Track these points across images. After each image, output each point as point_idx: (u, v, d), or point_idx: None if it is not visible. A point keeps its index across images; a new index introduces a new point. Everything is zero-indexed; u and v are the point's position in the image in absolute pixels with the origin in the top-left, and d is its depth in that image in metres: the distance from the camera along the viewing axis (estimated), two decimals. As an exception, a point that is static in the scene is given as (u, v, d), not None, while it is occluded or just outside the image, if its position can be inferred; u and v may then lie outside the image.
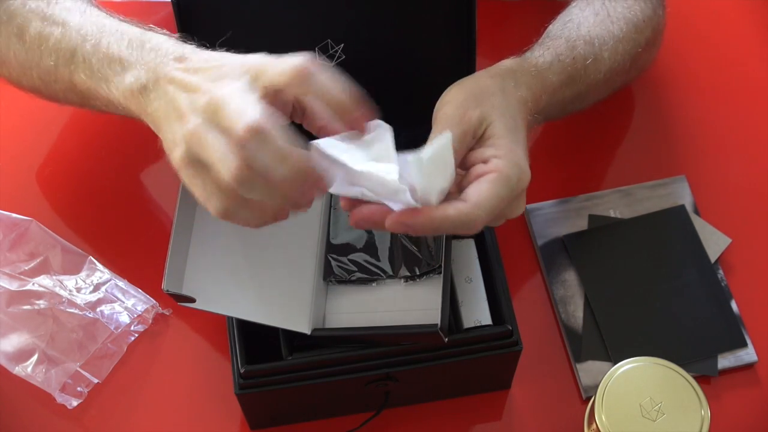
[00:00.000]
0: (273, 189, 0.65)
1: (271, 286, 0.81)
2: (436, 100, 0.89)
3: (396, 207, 0.69)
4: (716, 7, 1.12)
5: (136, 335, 0.93)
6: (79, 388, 0.90)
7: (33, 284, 0.93)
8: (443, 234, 0.79)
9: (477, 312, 0.84)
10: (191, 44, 0.73)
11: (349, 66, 0.85)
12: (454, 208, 0.69)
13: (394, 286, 0.83)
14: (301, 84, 0.68)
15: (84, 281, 0.94)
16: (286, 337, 0.81)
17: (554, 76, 0.82)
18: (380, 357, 0.81)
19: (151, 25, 0.76)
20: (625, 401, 0.79)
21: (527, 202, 0.98)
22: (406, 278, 0.83)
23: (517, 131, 0.75)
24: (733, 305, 0.93)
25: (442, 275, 0.78)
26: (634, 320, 0.92)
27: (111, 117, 0.81)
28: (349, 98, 0.69)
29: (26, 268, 0.95)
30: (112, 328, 0.92)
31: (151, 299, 0.93)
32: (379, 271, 0.83)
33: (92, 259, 0.95)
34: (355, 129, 0.69)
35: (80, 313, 0.92)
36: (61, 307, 0.92)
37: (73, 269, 0.95)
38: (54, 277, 0.94)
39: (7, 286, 0.93)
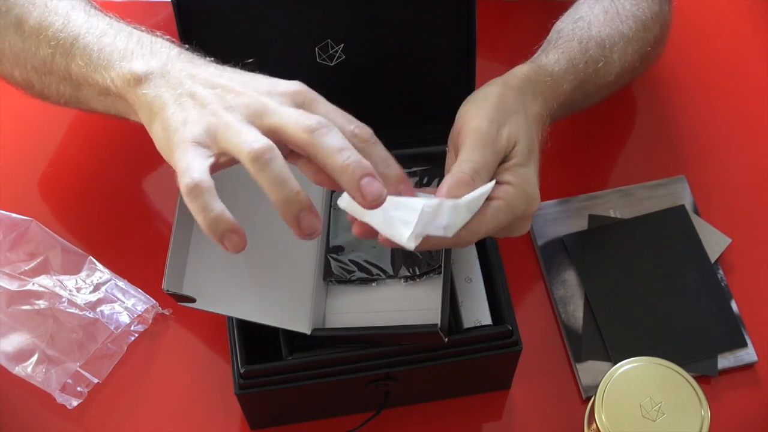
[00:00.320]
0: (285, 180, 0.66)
1: (271, 286, 0.81)
2: (436, 100, 0.89)
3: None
4: (716, 6, 1.12)
5: (136, 335, 0.93)
6: (79, 388, 0.90)
7: (33, 284, 0.93)
8: None
9: (477, 312, 0.84)
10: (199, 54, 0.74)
11: (349, 66, 0.85)
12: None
13: (394, 286, 0.83)
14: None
15: (84, 281, 0.94)
16: (286, 337, 0.81)
17: (568, 84, 0.82)
18: (380, 357, 0.81)
19: (158, 32, 0.77)
20: (625, 401, 0.79)
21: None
22: (406, 278, 0.83)
23: (534, 154, 0.76)
24: (733, 305, 0.93)
25: (442, 275, 0.78)
26: (634, 320, 0.92)
27: (112, 117, 0.81)
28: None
29: (26, 268, 0.95)
30: (112, 328, 0.92)
31: (151, 299, 0.93)
32: (379, 271, 0.83)
33: (92, 259, 0.95)
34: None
35: (80, 313, 0.92)
36: (61, 307, 0.92)
37: (73, 269, 0.95)
38: (54, 277, 0.94)
39: (7, 286, 0.93)
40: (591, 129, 1.02)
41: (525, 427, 0.91)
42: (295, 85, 0.70)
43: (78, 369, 0.90)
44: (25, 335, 0.91)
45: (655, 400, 0.79)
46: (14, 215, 0.97)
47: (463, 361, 0.82)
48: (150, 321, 0.94)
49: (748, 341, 0.92)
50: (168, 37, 0.77)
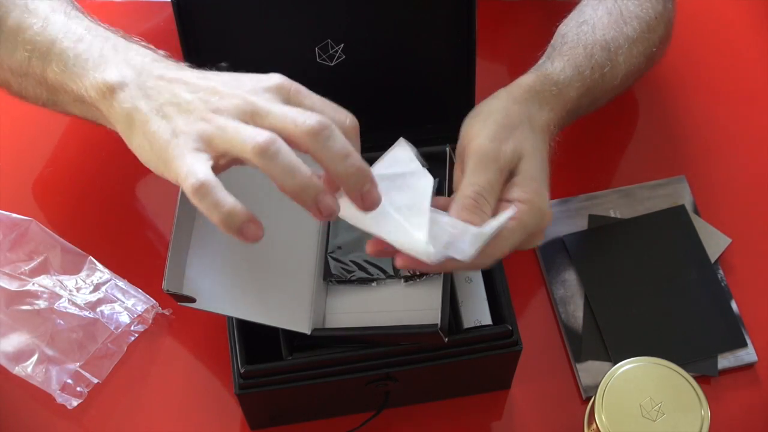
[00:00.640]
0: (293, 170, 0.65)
1: (271, 286, 0.81)
2: (436, 100, 0.89)
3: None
4: (716, 6, 1.12)
5: (136, 335, 0.93)
6: (79, 388, 0.90)
7: (33, 284, 0.93)
8: None
9: (477, 312, 0.84)
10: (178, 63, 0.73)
11: (349, 66, 0.85)
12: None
13: (394, 286, 0.83)
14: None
15: (84, 281, 0.94)
16: (286, 337, 0.81)
17: (574, 92, 0.82)
18: (380, 357, 0.81)
19: (136, 37, 0.76)
20: (625, 401, 0.79)
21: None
22: (406, 278, 0.83)
23: (543, 166, 0.76)
24: (733, 305, 0.93)
25: (442, 275, 0.78)
26: (634, 320, 0.92)
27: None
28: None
29: (26, 268, 0.95)
30: (112, 328, 0.92)
31: (151, 299, 0.93)
32: (379, 271, 0.83)
33: (92, 259, 0.95)
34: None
35: (80, 313, 0.92)
36: (61, 307, 0.92)
37: (73, 269, 0.95)
38: (54, 277, 0.94)
39: (7, 286, 0.93)
40: (591, 129, 1.02)
41: (525, 427, 0.91)
42: (275, 79, 0.68)
43: (78, 369, 0.90)
44: (25, 335, 0.91)
45: (655, 400, 0.79)
46: (14, 215, 0.97)
47: (463, 361, 0.82)
48: (150, 321, 0.94)
49: (748, 341, 0.92)
50: (144, 43, 0.75)
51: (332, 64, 0.85)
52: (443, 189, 0.83)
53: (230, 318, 0.82)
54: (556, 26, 0.89)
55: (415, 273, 0.83)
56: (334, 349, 0.82)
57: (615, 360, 0.88)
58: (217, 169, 0.66)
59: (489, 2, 1.04)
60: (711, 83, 1.07)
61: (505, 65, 1.06)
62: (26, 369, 0.90)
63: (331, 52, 0.85)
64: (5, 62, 0.81)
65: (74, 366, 0.90)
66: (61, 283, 0.94)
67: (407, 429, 0.90)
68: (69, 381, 0.90)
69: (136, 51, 0.73)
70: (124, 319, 0.92)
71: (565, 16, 0.90)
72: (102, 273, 0.95)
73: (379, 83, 0.88)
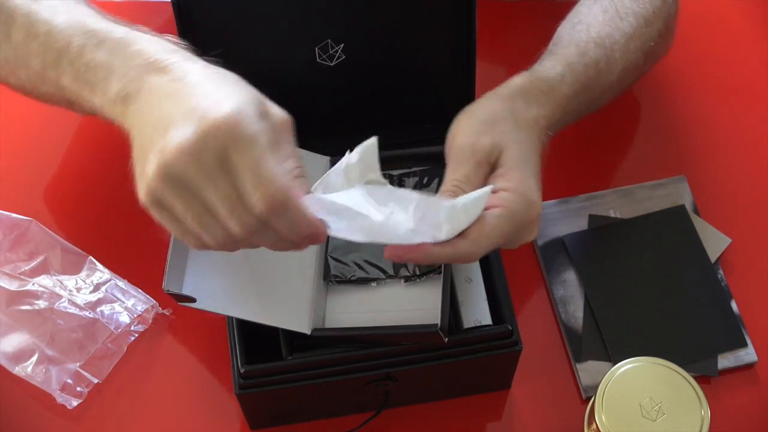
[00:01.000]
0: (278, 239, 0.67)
1: (271, 286, 0.81)
2: (436, 100, 0.89)
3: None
4: (716, 7, 1.12)
5: (136, 335, 0.93)
6: (79, 388, 0.90)
7: (33, 284, 0.93)
8: None
9: (477, 312, 0.84)
10: (178, 49, 0.71)
11: (349, 66, 0.85)
12: (452, 245, 0.70)
13: (394, 286, 0.83)
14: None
15: (84, 281, 0.94)
16: (286, 337, 0.81)
17: (567, 87, 0.81)
18: (380, 357, 0.81)
19: (138, 26, 0.74)
20: (625, 401, 0.79)
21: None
22: (406, 278, 0.83)
23: (529, 157, 0.75)
24: (733, 305, 0.93)
25: (442, 275, 0.78)
26: (634, 320, 0.92)
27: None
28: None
29: (26, 268, 0.95)
30: (112, 328, 0.92)
31: (151, 299, 0.93)
32: (379, 271, 0.83)
33: (92, 259, 0.95)
34: None
35: (80, 313, 0.92)
36: (61, 307, 0.92)
37: (73, 269, 0.95)
38: (54, 277, 0.94)
39: (7, 286, 0.93)
40: (591, 129, 1.02)
41: (525, 427, 0.91)
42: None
43: (78, 369, 0.90)
44: (25, 335, 0.91)
45: (655, 400, 0.79)
46: (14, 215, 0.97)
47: (463, 361, 0.82)
48: (150, 321, 0.94)
49: (748, 341, 0.92)
50: (145, 29, 0.73)
51: (332, 64, 0.85)
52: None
53: (230, 318, 0.82)
54: (555, 28, 0.89)
55: (415, 273, 0.83)
56: (334, 349, 0.82)
57: (615, 360, 0.88)
58: None
59: (489, 2, 1.04)
60: (711, 83, 1.07)
61: (505, 65, 1.06)
62: (26, 369, 0.90)
63: (331, 52, 0.85)
64: (21, 71, 0.80)
65: (74, 366, 0.90)
66: (61, 283, 0.94)
67: (407, 429, 0.90)
68: (69, 381, 0.90)
69: (133, 50, 0.70)
70: (124, 319, 0.92)
71: (565, 17, 0.90)
72: (102, 273, 0.95)
73: (379, 83, 0.88)
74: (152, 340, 0.93)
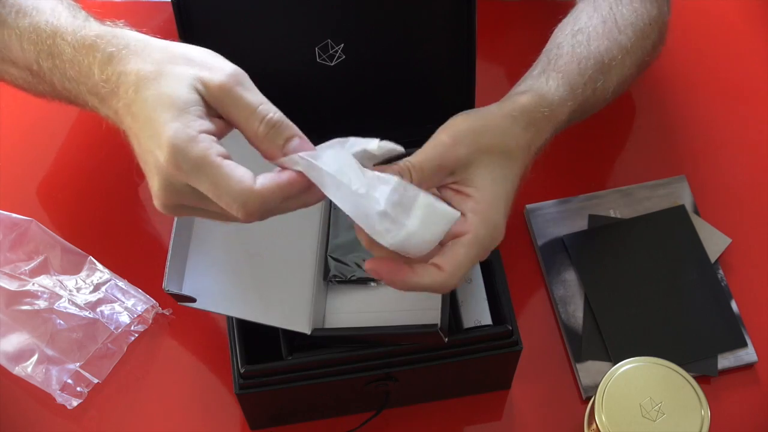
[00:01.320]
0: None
1: (271, 286, 0.81)
2: (436, 100, 0.89)
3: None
4: (716, 7, 1.12)
5: (136, 335, 0.93)
6: (79, 388, 0.90)
7: (33, 284, 0.93)
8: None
9: (477, 312, 0.84)
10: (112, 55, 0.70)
11: (349, 66, 0.85)
12: (430, 277, 0.70)
13: (394, 286, 0.83)
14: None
15: (84, 281, 0.94)
16: (286, 337, 0.81)
17: (567, 110, 0.80)
18: (380, 357, 0.81)
19: (110, 22, 0.74)
20: (625, 401, 0.79)
21: (527, 203, 0.99)
22: (406, 278, 0.83)
23: (504, 181, 0.74)
24: (733, 305, 0.93)
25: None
26: (634, 320, 0.92)
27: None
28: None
29: (26, 268, 0.95)
30: (112, 328, 0.92)
31: (151, 299, 0.93)
32: (379, 271, 0.83)
33: (92, 259, 0.95)
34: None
35: (80, 313, 0.92)
36: (61, 307, 0.92)
37: (73, 269, 0.95)
38: (54, 277, 0.94)
39: (7, 286, 0.93)
40: (591, 129, 1.02)
41: (525, 427, 0.91)
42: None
43: (78, 369, 0.90)
44: (25, 335, 0.91)
45: (655, 400, 0.79)
46: (14, 215, 0.97)
47: (463, 361, 0.82)
48: (150, 321, 0.94)
49: (748, 341, 0.92)
50: (120, 24, 0.74)
51: (332, 64, 0.85)
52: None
53: (230, 318, 0.82)
54: (552, 30, 0.88)
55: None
56: (334, 349, 0.82)
57: (615, 360, 0.88)
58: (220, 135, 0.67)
59: (489, 2, 1.04)
60: (711, 83, 1.07)
61: (505, 65, 1.06)
62: (26, 369, 0.90)
63: (331, 52, 0.85)
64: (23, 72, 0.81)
65: (74, 366, 0.90)
66: (61, 283, 0.94)
67: (407, 429, 0.90)
68: (69, 381, 0.90)
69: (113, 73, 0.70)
70: (124, 319, 0.92)
71: (564, 17, 0.90)
72: (102, 273, 0.95)
73: (379, 83, 0.88)
74: (152, 340, 0.93)
